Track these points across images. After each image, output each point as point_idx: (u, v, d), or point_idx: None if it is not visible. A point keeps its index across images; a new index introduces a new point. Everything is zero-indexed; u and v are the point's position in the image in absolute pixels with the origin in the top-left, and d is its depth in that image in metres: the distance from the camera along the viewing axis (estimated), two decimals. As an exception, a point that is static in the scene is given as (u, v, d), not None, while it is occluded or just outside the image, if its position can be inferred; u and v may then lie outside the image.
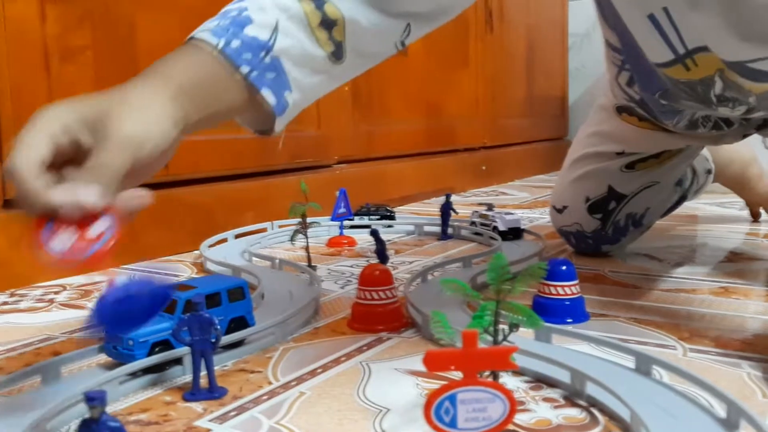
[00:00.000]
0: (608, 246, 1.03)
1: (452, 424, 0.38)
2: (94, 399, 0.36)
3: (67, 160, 0.49)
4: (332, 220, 1.18)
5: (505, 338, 0.45)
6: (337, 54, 0.61)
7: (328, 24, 0.59)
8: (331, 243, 1.18)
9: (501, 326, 0.45)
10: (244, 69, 0.56)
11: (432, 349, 0.37)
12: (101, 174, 0.48)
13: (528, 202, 1.72)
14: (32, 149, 0.47)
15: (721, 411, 0.48)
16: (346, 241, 1.18)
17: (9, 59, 0.88)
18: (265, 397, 0.55)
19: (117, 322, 0.47)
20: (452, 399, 0.38)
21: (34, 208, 0.47)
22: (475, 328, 0.42)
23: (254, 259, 1.02)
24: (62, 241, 0.46)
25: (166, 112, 0.52)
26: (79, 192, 0.46)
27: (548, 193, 1.87)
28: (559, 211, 1.04)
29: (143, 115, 0.51)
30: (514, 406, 0.39)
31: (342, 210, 1.17)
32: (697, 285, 0.86)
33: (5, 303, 0.84)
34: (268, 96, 0.58)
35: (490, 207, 1.21)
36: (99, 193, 0.47)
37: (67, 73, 0.95)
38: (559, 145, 2.62)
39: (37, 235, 0.46)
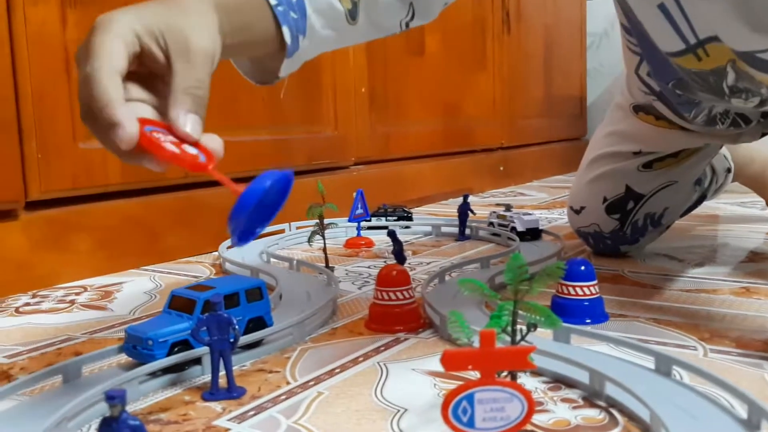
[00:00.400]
0: (627, 246, 1.02)
1: (470, 423, 0.38)
2: (114, 398, 0.37)
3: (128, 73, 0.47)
4: (350, 221, 1.19)
5: (522, 338, 0.45)
6: (353, 13, 0.63)
7: None
8: (349, 244, 1.18)
9: (519, 326, 0.45)
10: (273, 0, 0.57)
11: (449, 349, 0.37)
12: (195, 93, 0.46)
13: (546, 202, 1.71)
14: (111, 57, 0.44)
15: (742, 412, 0.48)
16: (363, 242, 1.18)
17: (30, 63, 0.89)
18: (283, 397, 0.55)
19: (256, 222, 0.47)
20: (470, 399, 0.38)
21: (104, 122, 0.44)
22: (493, 328, 0.42)
23: (272, 260, 1.03)
24: (170, 144, 0.46)
25: (217, 27, 0.51)
26: (180, 120, 0.45)
27: (567, 193, 1.86)
28: (577, 212, 1.03)
29: (209, 28, 0.50)
30: (533, 405, 0.38)
31: (359, 211, 1.17)
32: (717, 285, 0.85)
33: (27, 304, 0.85)
34: (287, 35, 0.58)
35: (508, 207, 1.21)
36: (199, 124, 0.46)
37: (87, 76, 0.96)
38: (578, 146, 2.61)
39: (144, 134, 0.45)
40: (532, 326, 0.45)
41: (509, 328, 0.45)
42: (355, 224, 1.21)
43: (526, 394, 0.38)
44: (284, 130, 1.29)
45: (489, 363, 0.38)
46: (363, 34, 0.67)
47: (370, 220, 1.25)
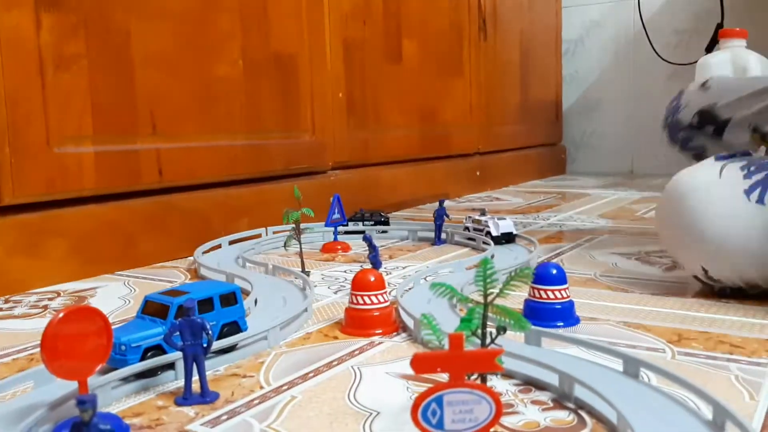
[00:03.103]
0: None
1: (439, 425, 0.39)
2: (85, 402, 0.37)
3: None
4: (326, 225, 1.19)
5: (492, 341, 0.46)
6: None
7: None
8: (325, 249, 1.18)
9: (488, 329, 0.46)
10: None
11: (420, 352, 0.38)
12: None
13: (522, 207, 1.72)
14: None
15: (707, 413, 0.49)
16: (340, 247, 1.18)
17: (4, 67, 0.89)
18: (256, 401, 0.55)
19: None
20: (439, 401, 0.38)
21: None
22: (462, 331, 0.43)
23: (248, 264, 1.03)
24: None
25: None
26: None
27: (542, 198, 1.88)
28: None
29: None
30: (500, 407, 0.39)
31: (336, 216, 1.17)
32: (686, 289, 0.87)
33: (0, 309, 0.85)
34: None
35: (483, 212, 1.22)
36: None
37: (61, 81, 0.96)
38: (554, 151, 2.63)
39: None
40: (501, 329, 0.46)
41: (479, 331, 0.46)
42: (332, 229, 1.21)
43: (494, 396, 0.39)
44: (262, 135, 1.29)
45: (458, 365, 0.38)
46: None
47: (347, 225, 1.26)
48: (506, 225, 1.15)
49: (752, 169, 0.77)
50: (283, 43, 1.33)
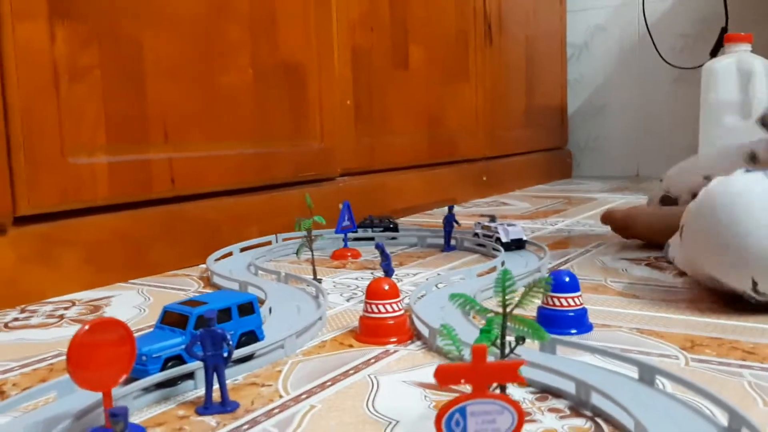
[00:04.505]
0: None
1: (462, 435, 0.39)
2: (117, 415, 0.38)
3: None
4: (336, 232, 1.20)
5: (512, 351, 0.47)
6: None
7: None
8: (336, 255, 1.19)
9: (508, 339, 0.46)
10: None
11: (438, 361, 0.38)
12: None
13: (529, 212, 1.73)
14: None
15: (723, 420, 0.50)
16: (350, 254, 1.19)
17: (19, 79, 0.90)
18: (276, 411, 0.56)
19: None
20: (462, 411, 0.39)
21: None
22: (484, 342, 0.43)
23: (260, 272, 1.03)
24: None
25: None
26: None
27: (549, 203, 1.88)
28: None
29: None
30: (522, 417, 0.40)
31: (346, 223, 1.18)
32: (697, 294, 0.87)
33: (16, 319, 0.86)
34: None
35: (492, 218, 1.23)
36: None
37: (76, 92, 0.96)
38: (559, 155, 2.64)
39: None
40: (520, 339, 0.47)
41: (498, 342, 0.46)
42: (342, 236, 1.22)
43: (516, 406, 0.40)
44: (271, 143, 1.30)
45: (481, 377, 0.39)
46: None
47: (356, 232, 1.26)
48: (516, 231, 1.16)
49: None
50: (291, 51, 1.34)
